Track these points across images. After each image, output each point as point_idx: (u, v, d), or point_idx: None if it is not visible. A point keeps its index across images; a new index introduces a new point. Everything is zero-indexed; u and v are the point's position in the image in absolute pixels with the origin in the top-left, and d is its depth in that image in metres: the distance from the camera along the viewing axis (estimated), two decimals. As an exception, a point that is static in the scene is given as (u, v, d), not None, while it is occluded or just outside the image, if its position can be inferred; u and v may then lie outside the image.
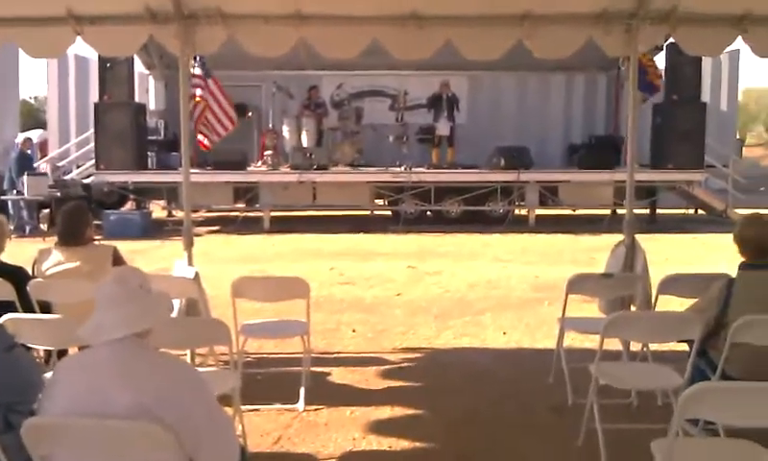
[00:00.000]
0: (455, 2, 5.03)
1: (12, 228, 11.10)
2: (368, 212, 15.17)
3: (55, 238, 4.50)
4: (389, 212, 15.08)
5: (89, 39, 5.35)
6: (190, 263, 5.29)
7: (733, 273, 3.72)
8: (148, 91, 15.57)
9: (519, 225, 14.15)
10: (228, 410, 3.40)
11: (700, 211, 15.55)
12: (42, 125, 21.27)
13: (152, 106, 15.42)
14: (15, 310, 3.89)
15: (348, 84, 16.59)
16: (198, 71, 12.24)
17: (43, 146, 17.86)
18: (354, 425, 4.27)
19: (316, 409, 4.49)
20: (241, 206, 14.66)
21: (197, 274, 5.02)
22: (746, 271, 3.66)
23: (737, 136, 23.43)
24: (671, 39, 5.61)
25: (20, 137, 15.52)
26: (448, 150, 15.13)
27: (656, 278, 4.73)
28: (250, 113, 15.76)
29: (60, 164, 15.91)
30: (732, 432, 3.18)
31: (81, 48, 5.54)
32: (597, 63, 15.27)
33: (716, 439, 3.29)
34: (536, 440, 4.13)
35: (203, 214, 14.41)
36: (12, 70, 17.22)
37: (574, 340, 5.35)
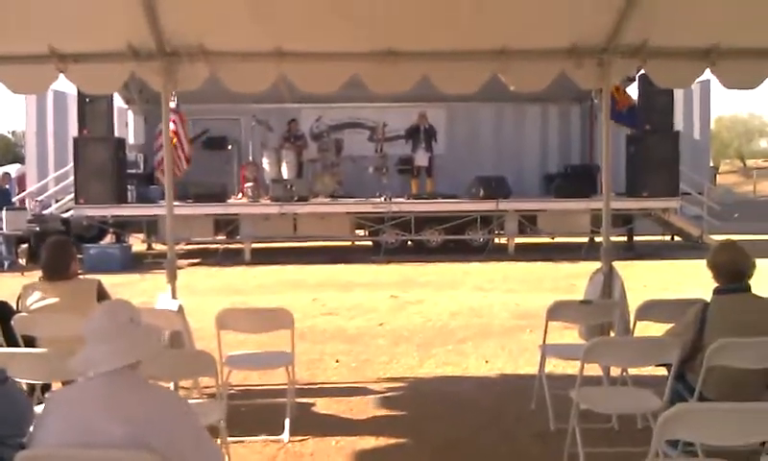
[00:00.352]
0: (430, 38, 5.13)
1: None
2: (349, 243, 15.24)
3: (35, 273, 4.49)
4: (370, 243, 15.15)
5: (72, 77, 5.38)
6: (174, 296, 5.29)
7: (708, 298, 3.82)
8: (127, 125, 15.62)
9: (499, 253, 14.29)
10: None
11: (676, 238, 15.82)
12: (20, 160, 21.17)
13: (131, 140, 15.48)
14: (-1, 345, 3.89)
15: (327, 117, 16.75)
16: (173, 105, 12.35)
17: (21, 181, 17.79)
18: (340, 455, 4.30)
19: (301, 440, 4.50)
20: (222, 238, 14.66)
21: (180, 306, 5.03)
22: (720, 295, 3.76)
23: (711, 164, 23.84)
24: (643, 70, 5.76)
25: (-2, 172, 15.46)
26: (427, 180, 15.30)
27: (634, 304, 4.82)
28: (230, 146, 15.85)
29: (38, 199, 15.83)
30: (710, 454, 3.26)
31: (60, 83, 5.56)
32: (571, 95, 15.58)
33: (694, 460, 3.36)
34: (519, 466, 4.18)
35: (183, 247, 14.38)
36: (-11, 105, 17.17)
37: (556, 366, 5.42)
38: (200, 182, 14.53)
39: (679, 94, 15.59)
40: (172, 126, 12.34)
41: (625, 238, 15.10)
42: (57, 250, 4.39)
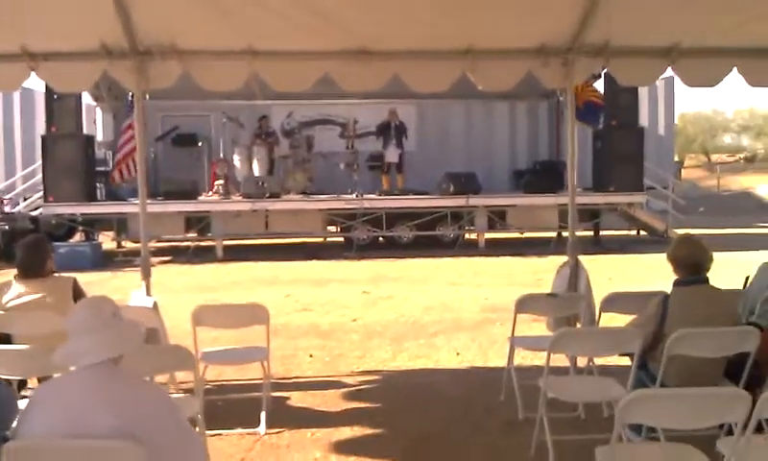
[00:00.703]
0: (401, 38, 5.22)
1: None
2: (321, 239, 15.29)
3: (4, 272, 4.50)
4: (342, 239, 15.22)
5: (44, 75, 5.37)
6: (148, 293, 5.33)
7: (669, 290, 3.98)
8: (95, 122, 15.48)
9: (470, 248, 14.48)
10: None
11: (642, 232, 16.11)
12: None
13: (99, 137, 15.33)
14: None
15: (298, 113, 16.77)
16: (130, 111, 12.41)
17: (-12, 179, 17.52)
18: (315, 446, 4.39)
19: (277, 432, 4.58)
20: (193, 235, 14.62)
21: (155, 303, 5.08)
22: (680, 287, 3.91)
23: (676, 159, 24.32)
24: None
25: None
26: (398, 176, 15.42)
27: (599, 296, 4.97)
28: (200, 143, 15.80)
29: (7, 197, 15.63)
30: (671, 439, 3.41)
31: (28, 80, 5.54)
32: (539, 91, 15.77)
33: (656, 443, 3.51)
34: (490, 454, 4.30)
35: (154, 245, 14.32)
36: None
37: (524, 358, 5.58)
38: (170, 180, 14.49)
39: (644, 91, 15.91)
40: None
41: (592, 233, 15.37)
42: (32, 248, 4.41)
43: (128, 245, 15.01)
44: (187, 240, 14.65)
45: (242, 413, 4.79)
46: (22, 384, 4.16)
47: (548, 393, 3.98)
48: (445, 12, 4.94)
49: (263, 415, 4.65)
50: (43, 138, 13.95)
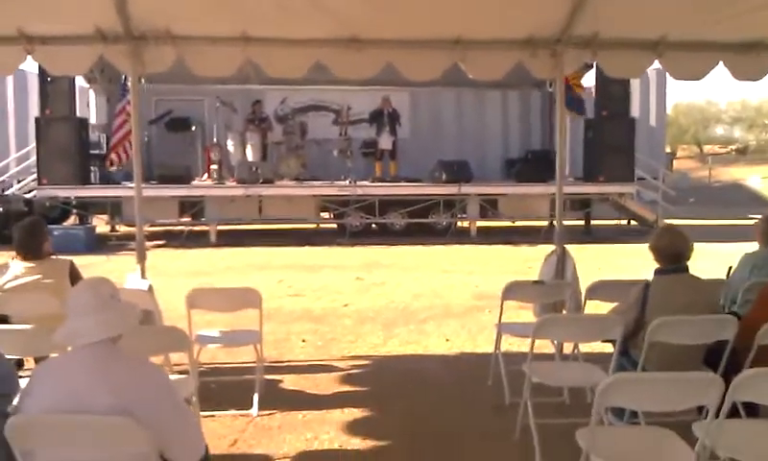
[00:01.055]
0: (392, 27, 5.28)
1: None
2: (314, 225, 15.37)
3: (2, 253, 4.57)
4: (335, 225, 15.31)
5: (40, 58, 5.41)
6: (143, 276, 5.40)
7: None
8: (89, 105, 15.46)
9: (461, 236, 14.60)
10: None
11: (633, 222, 16.23)
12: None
13: (93, 120, 15.31)
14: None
15: (292, 99, 16.75)
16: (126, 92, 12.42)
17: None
18: (307, 428, 4.49)
19: (269, 414, 4.69)
20: (187, 220, 14.67)
21: (150, 286, 5.16)
22: (660, 276, 4.01)
23: (667, 150, 24.41)
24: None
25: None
26: (391, 163, 15.48)
27: (587, 285, 5.09)
28: (193, 128, 15.81)
29: (0, 179, 15.64)
30: (653, 424, 3.52)
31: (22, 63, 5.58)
32: (531, 81, 15.80)
33: (635, 427, 3.63)
34: (476, 437, 4.42)
35: (147, 229, 14.35)
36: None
37: (512, 344, 5.68)
38: (164, 164, 14.51)
39: (635, 82, 15.99)
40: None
41: (583, 222, 15.48)
42: (29, 230, 4.49)
43: (122, 229, 15.05)
44: (181, 224, 14.71)
45: (235, 395, 4.89)
46: (19, 365, 4.24)
47: (533, 378, 4.09)
48: (435, 2, 5.01)
49: (256, 397, 4.75)
50: (37, 121, 13.94)
